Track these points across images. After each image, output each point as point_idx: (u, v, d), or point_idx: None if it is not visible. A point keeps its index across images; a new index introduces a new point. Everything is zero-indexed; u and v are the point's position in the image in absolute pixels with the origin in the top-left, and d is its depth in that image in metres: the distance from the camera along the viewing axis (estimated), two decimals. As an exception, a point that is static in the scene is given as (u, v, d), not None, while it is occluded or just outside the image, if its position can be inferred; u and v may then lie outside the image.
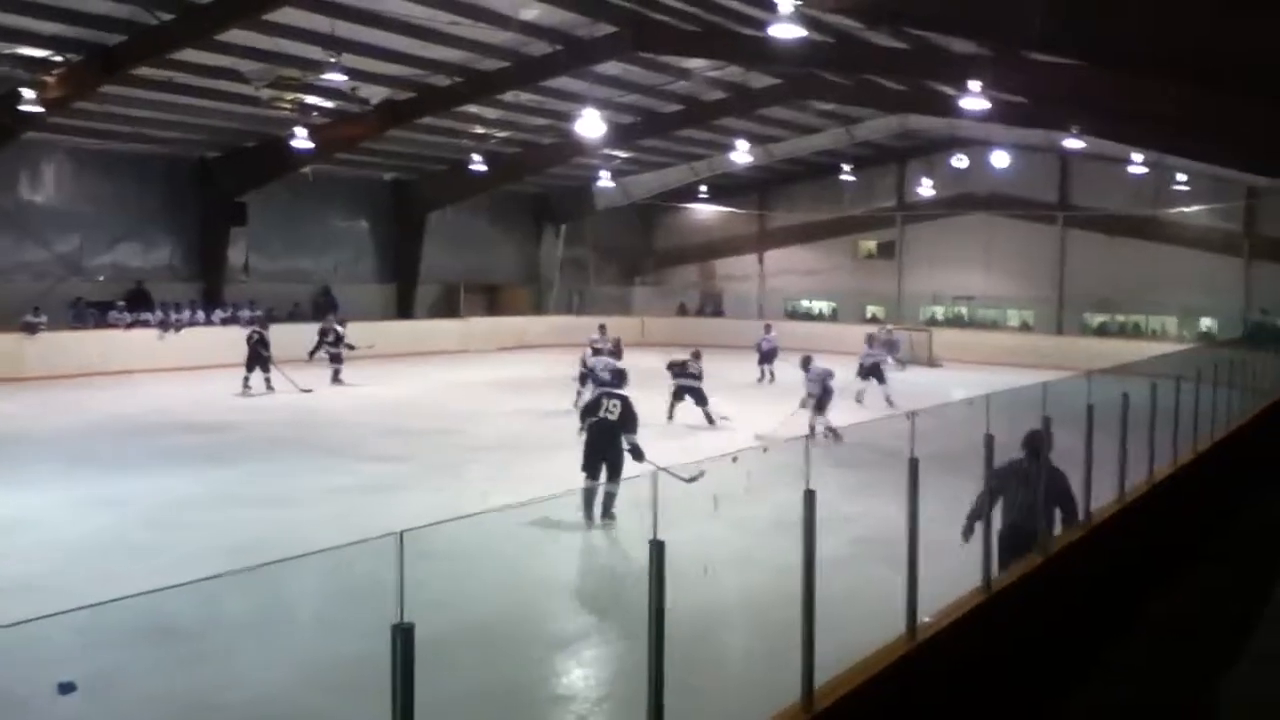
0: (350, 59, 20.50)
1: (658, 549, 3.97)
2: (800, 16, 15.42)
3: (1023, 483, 7.29)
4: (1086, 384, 8.39)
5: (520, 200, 38.63)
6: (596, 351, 18.28)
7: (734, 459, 5.12)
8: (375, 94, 24.71)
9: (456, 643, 6.49)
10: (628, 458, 10.78)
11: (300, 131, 24.78)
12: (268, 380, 22.07)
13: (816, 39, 19.56)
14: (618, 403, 11.20)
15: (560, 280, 39.59)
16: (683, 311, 40.58)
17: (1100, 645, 7.50)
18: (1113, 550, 8.23)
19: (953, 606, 5.89)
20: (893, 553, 5.56)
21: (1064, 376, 10.82)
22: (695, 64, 24.75)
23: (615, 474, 10.78)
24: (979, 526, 6.57)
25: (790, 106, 29.65)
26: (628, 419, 11.07)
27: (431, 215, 34.39)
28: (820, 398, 16.71)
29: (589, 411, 11.47)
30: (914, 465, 5.55)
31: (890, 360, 28.22)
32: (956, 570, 6.25)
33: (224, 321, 27.73)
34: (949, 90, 23.25)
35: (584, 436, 11.24)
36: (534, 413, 19.47)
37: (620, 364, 17.00)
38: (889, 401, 20.47)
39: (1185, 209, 33.06)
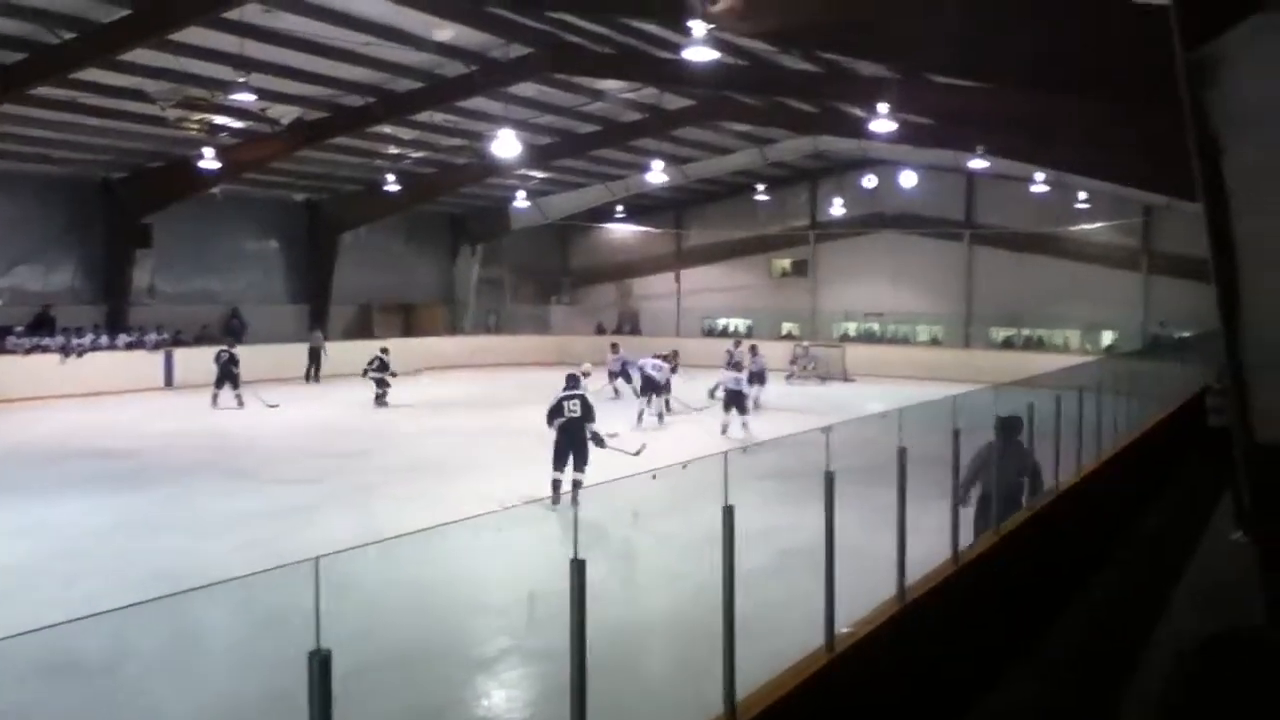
0: (260, 79, 20.17)
1: (579, 568, 3.98)
2: (714, 40, 15.64)
3: (997, 460, 8.45)
4: (993, 396, 8.63)
5: (435, 220, 38.38)
6: (585, 375, 18.60)
7: (654, 476, 5.16)
8: (286, 114, 24.35)
9: (376, 668, 6.41)
10: (592, 448, 12.74)
11: (208, 152, 24.31)
12: (238, 396, 23.04)
13: (730, 62, 19.85)
14: (577, 402, 12.97)
15: (477, 300, 39.40)
16: (601, 330, 40.64)
17: (1011, 651, 7.69)
18: (1023, 558, 8.45)
19: (870, 616, 6.00)
20: (813, 563, 5.65)
21: (973, 389, 11.11)
22: (611, 85, 24.91)
23: (581, 464, 12.65)
24: (895, 533, 6.69)
25: (705, 127, 29.99)
26: (587, 412, 12.93)
27: (345, 235, 34.00)
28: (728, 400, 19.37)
29: (555, 414, 12.90)
30: (830, 479, 5.65)
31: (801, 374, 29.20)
32: (875, 578, 6.37)
33: (128, 346, 27.01)
34: (859, 112, 23.76)
35: (554, 436, 12.82)
36: (451, 433, 19.33)
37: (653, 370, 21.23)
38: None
39: (1086, 226, 34.24)
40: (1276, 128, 5.35)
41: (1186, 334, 26.57)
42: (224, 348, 24.08)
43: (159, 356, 27.07)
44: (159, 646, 6.04)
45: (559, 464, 12.66)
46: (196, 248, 30.84)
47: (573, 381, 14.00)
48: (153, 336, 27.61)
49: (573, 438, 12.74)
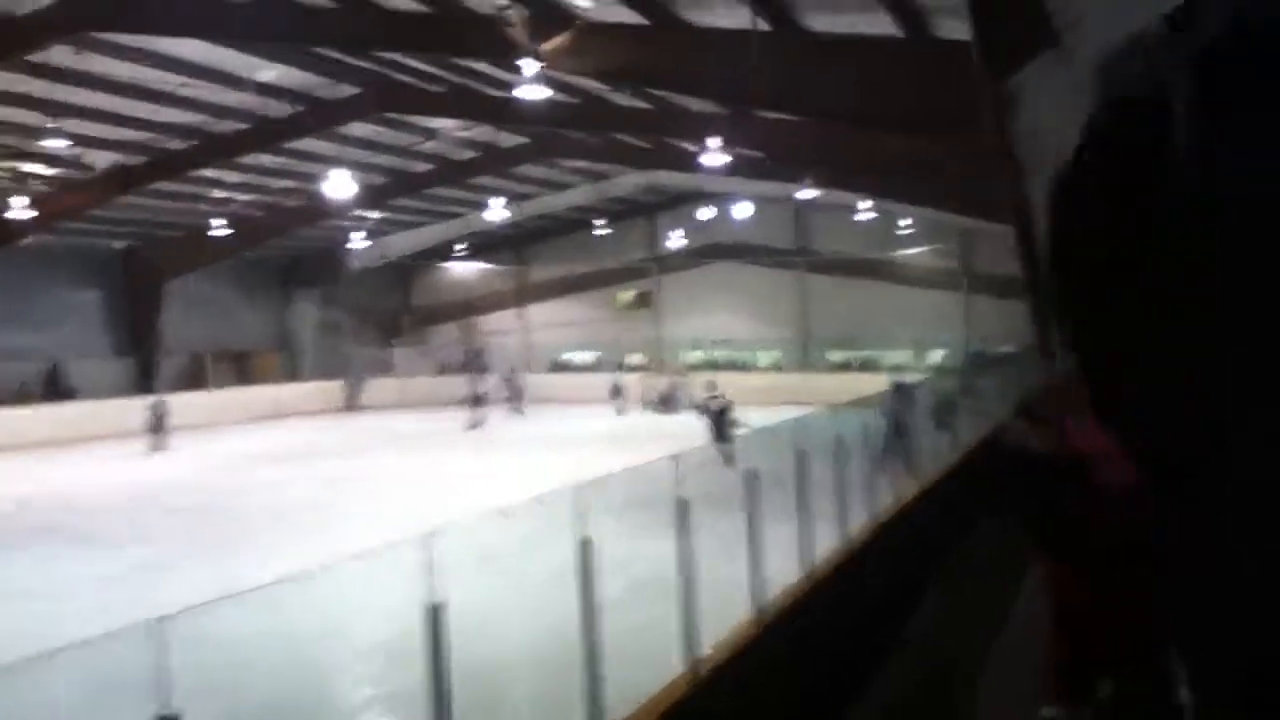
0: (73, 124, 19.27)
1: (434, 613, 3.96)
2: (545, 78, 15.82)
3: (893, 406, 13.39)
4: (832, 417, 8.95)
5: (267, 264, 37.25)
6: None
7: (507, 514, 5.16)
8: (103, 159, 23.28)
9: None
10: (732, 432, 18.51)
11: (18, 201, 22.95)
12: (160, 441, 24.70)
13: (562, 99, 20.08)
14: (720, 398, 20.08)
15: (315, 345, 38.35)
16: (443, 370, 40.08)
17: (867, 662, 7.95)
18: (871, 570, 8.77)
19: (729, 639, 6.13)
20: (669, 590, 5.74)
21: (813, 411, 11.48)
22: (444, 124, 24.81)
23: (726, 439, 18.18)
24: (746, 557, 6.84)
25: (541, 164, 30.17)
26: (726, 408, 19.58)
27: (171, 283, 32.54)
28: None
29: (703, 409, 20.21)
30: (682, 506, 5.77)
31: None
32: (731, 601, 6.50)
33: (-68, 408, 25.19)
34: (691, 147, 24.34)
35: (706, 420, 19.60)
36: (299, 481, 18.70)
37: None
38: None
39: (909, 251, 35.89)
40: (1071, 152, 5.80)
41: (1008, 349, 28.02)
42: (157, 398, 25.99)
43: (-31, 419, 25.32)
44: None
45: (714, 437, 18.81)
46: (9, 301, 29.01)
47: (712, 385, 20.97)
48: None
49: (719, 422, 19.19)
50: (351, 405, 33.37)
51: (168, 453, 24.12)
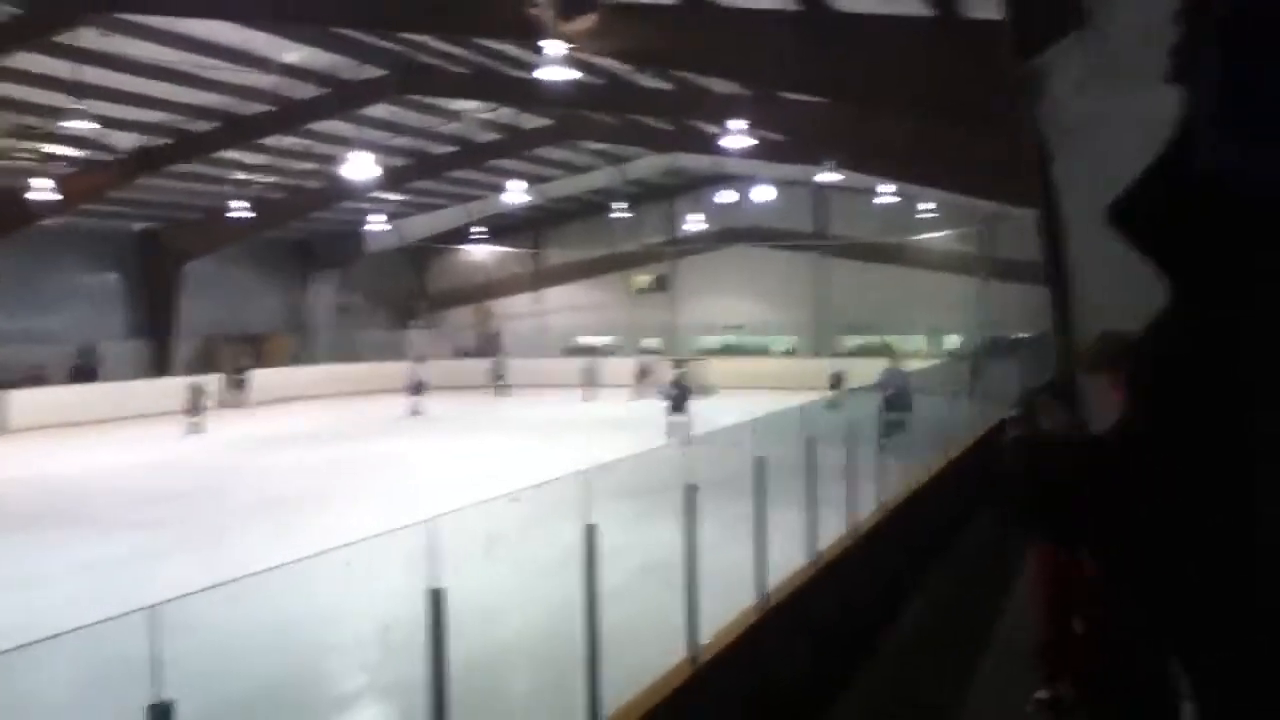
0: (98, 105, 19.25)
1: (435, 598, 3.92)
2: (569, 59, 15.71)
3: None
4: (845, 402, 8.86)
5: (283, 247, 37.27)
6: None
7: (514, 499, 5.12)
8: (126, 141, 23.31)
9: (227, 715, 6.16)
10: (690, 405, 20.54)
11: (41, 183, 22.95)
12: (195, 424, 24.59)
13: (585, 81, 19.97)
14: (685, 375, 22.47)
15: (330, 327, 38.41)
16: (461, 354, 40.02)
17: (869, 645, 7.89)
18: (877, 555, 8.70)
19: (731, 625, 6.08)
20: (675, 577, 5.69)
21: (827, 396, 11.40)
22: (466, 105, 24.74)
23: (682, 411, 20.33)
24: (753, 546, 6.77)
25: (562, 146, 30.07)
26: (689, 387, 21.51)
27: (188, 265, 32.59)
28: None
29: (667, 388, 21.91)
30: (690, 492, 5.71)
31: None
32: (736, 587, 6.44)
33: (-45, 389, 25.37)
34: (713, 129, 24.19)
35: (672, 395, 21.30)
36: (305, 468, 18.67)
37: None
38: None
39: (929, 235, 35.60)
40: (1098, 135, 5.68)
41: (1023, 335, 27.77)
42: (196, 380, 26.12)
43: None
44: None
45: (675, 409, 20.55)
46: (26, 283, 29.12)
47: (680, 364, 23.31)
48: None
49: (682, 397, 20.84)
50: (232, 404, 30.39)
51: (203, 435, 24.02)
